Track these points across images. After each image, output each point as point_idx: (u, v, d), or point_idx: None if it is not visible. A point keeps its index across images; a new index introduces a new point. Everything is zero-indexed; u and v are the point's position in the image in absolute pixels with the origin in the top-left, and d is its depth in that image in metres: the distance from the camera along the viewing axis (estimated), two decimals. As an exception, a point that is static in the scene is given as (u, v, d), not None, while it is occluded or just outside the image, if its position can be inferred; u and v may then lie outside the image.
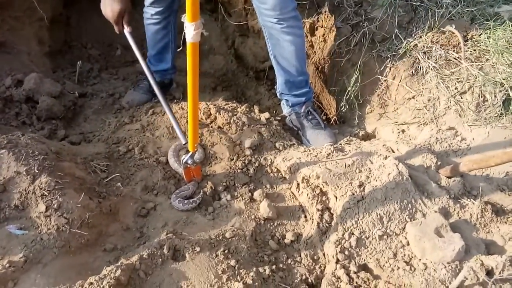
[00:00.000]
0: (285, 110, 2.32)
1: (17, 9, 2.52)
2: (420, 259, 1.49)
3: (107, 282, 1.26)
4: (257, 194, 1.82)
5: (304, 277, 1.50)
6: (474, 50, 1.92)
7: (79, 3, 3.07)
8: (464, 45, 1.92)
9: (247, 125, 2.08)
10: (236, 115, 2.13)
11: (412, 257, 1.51)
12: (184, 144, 1.80)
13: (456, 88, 1.94)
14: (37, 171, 1.47)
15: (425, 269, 1.46)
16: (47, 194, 1.43)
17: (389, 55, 2.12)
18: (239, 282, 1.38)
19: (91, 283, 1.27)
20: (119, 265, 1.34)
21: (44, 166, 1.51)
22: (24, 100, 2.18)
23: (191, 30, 1.27)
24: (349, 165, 1.78)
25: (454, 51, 1.96)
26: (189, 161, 1.74)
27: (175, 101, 2.46)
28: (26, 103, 2.19)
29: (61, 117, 2.24)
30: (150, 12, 2.30)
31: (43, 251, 1.35)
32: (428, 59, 2.01)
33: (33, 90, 2.18)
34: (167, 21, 2.35)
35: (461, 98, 1.93)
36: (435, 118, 1.99)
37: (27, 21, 2.59)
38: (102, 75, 2.86)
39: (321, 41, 2.38)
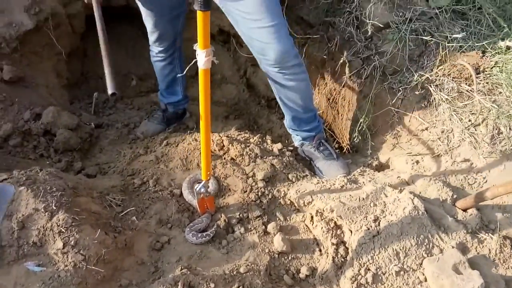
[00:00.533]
0: (296, 142, 2.33)
1: (36, 44, 2.61)
2: (438, 297, 1.47)
3: (123, 322, 1.26)
4: (270, 227, 1.82)
5: (320, 315, 1.48)
6: (487, 82, 1.93)
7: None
8: (476, 77, 1.92)
9: (259, 157, 2.09)
10: (248, 146, 2.15)
11: (430, 294, 1.48)
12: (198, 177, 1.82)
13: (469, 120, 1.94)
14: (54, 208, 1.50)
15: (445, 307, 1.43)
16: (64, 231, 1.45)
17: (400, 88, 2.13)
18: (254, 323, 1.37)
19: (107, 323, 1.27)
20: (134, 304, 1.34)
21: (61, 202, 1.53)
22: (42, 133, 2.23)
23: (202, 57, 1.35)
24: (363, 199, 1.77)
25: (466, 83, 1.97)
26: (202, 190, 1.75)
27: (188, 131, 2.50)
28: (44, 136, 2.24)
29: (77, 149, 2.29)
30: (154, 51, 2.40)
31: (60, 288, 1.36)
32: (440, 91, 2.02)
33: (51, 123, 2.24)
34: (172, 58, 2.43)
35: (475, 130, 1.92)
36: (450, 150, 1.98)
37: (46, 55, 2.68)
38: (118, 105, 2.93)
39: (333, 73, 2.41)
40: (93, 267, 1.43)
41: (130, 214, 1.78)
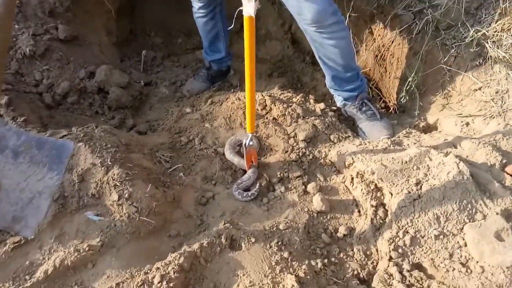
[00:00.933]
0: (338, 103, 2.29)
1: (87, 2, 2.70)
2: (477, 262, 1.46)
3: (172, 268, 1.39)
4: (310, 187, 1.86)
5: (356, 272, 1.54)
6: (552, 38, 1.77)
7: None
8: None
9: (301, 117, 2.10)
10: (291, 106, 2.16)
11: (469, 259, 1.48)
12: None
13: (529, 80, 1.81)
14: (110, 163, 1.63)
15: (482, 272, 1.43)
16: (119, 184, 1.58)
17: (454, 44, 2.00)
18: (291, 274, 1.45)
19: (158, 268, 1.40)
20: (182, 252, 1.47)
21: (116, 158, 1.66)
22: (96, 91, 2.37)
23: (246, 3, 1.34)
24: (406, 162, 1.75)
25: (528, 39, 1.82)
26: (250, 143, 1.83)
27: (232, 90, 2.53)
28: (98, 94, 2.38)
29: (129, 106, 2.41)
30: (195, 7, 2.40)
31: (117, 236, 1.51)
32: (498, 48, 1.88)
33: (104, 81, 2.36)
34: (213, 13, 2.42)
35: (535, 91, 1.80)
36: (503, 112, 1.88)
37: (97, 13, 2.77)
38: (165, 63, 3.01)
39: (381, 28, 2.30)
40: (145, 218, 1.56)
41: (178, 170, 1.89)
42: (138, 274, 1.40)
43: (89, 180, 1.60)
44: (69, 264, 1.41)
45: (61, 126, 2.00)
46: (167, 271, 1.38)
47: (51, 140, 1.70)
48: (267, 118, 2.13)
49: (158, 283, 1.35)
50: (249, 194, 1.81)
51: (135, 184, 1.61)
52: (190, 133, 2.13)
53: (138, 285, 1.33)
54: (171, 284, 1.34)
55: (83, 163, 1.63)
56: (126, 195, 1.57)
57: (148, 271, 1.40)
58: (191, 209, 1.79)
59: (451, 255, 1.50)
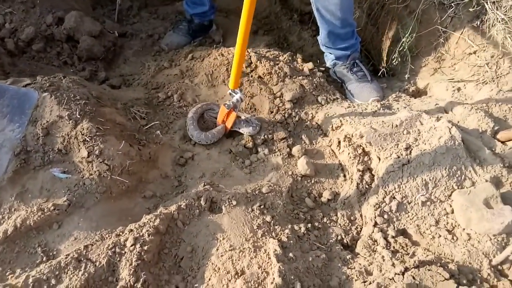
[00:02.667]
0: (328, 62, 2.19)
1: None
2: (464, 229, 1.43)
3: (146, 230, 1.29)
4: (295, 149, 1.77)
5: (339, 237, 1.48)
6: (555, 1, 1.68)
7: None
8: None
9: (289, 76, 1.98)
10: (278, 64, 2.03)
11: (456, 226, 1.45)
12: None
13: (526, 45, 1.73)
14: (78, 116, 1.48)
15: (469, 239, 1.40)
16: (88, 140, 1.44)
17: (452, 3, 1.89)
18: (274, 238, 1.38)
19: (131, 230, 1.30)
20: (158, 214, 1.37)
21: (85, 111, 1.51)
22: (65, 39, 2.17)
23: None
24: (396, 126, 1.67)
25: (530, 1, 1.72)
26: (240, 99, 1.73)
27: (214, 46, 2.37)
28: (67, 43, 2.18)
29: (101, 58, 2.23)
30: None
31: (86, 195, 1.39)
32: (497, 9, 1.78)
33: (74, 29, 2.16)
34: None
35: (531, 56, 1.73)
36: (497, 77, 1.81)
37: (66, -47, 2.49)
38: (142, 14, 2.78)
39: (376, -16, 2.16)
40: (117, 177, 1.44)
41: (155, 127, 1.76)
42: (109, 236, 1.30)
43: (55, 134, 1.46)
44: (32, 224, 1.29)
45: (25, 75, 1.81)
46: (141, 234, 1.28)
47: (12, 89, 1.53)
48: (252, 76, 2.00)
49: (131, 245, 1.25)
50: (209, 136, 1.75)
51: (107, 140, 1.48)
52: (169, 89, 1.98)
53: (109, 247, 1.23)
54: (145, 247, 1.25)
55: (48, 115, 1.48)
56: (97, 151, 1.43)
57: (120, 233, 1.30)
58: (168, 170, 1.68)
59: (437, 222, 1.46)
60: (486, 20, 1.82)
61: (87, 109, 1.53)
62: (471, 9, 1.82)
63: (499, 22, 1.78)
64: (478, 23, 1.85)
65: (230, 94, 1.75)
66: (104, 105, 1.65)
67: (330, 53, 2.14)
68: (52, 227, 1.31)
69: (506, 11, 1.78)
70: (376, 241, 1.45)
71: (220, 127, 1.79)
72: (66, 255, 1.20)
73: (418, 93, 2.10)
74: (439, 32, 1.97)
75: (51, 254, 1.25)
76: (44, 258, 1.24)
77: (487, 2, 1.80)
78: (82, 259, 1.20)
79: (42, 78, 1.62)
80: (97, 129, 1.46)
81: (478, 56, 1.88)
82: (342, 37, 2.04)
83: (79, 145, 1.44)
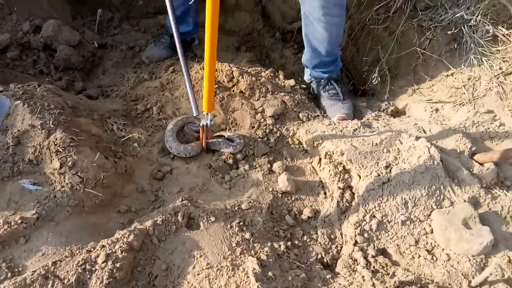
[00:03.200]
0: (306, 76, 2.26)
1: None
2: (443, 249, 1.42)
3: (119, 247, 1.23)
4: (276, 166, 1.75)
5: (319, 256, 1.45)
6: (527, 27, 1.75)
7: None
8: (517, 21, 1.74)
9: (270, 92, 1.98)
10: (260, 80, 2.02)
11: (435, 246, 1.44)
12: (194, 117, 1.72)
13: (500, 68, 1.79)
14: (52, 126, 1.42)
15: (448, 260, 1.39)
16: (61, 150, 1.38)
17: (431, 26, 1.94)
18: (253, 256, 1.34)
19: (103, 246, 1.24)
20: (132, 230, 1.31)
21: (59, 121, 1.45)
22: (42, 47, 2.10)
23: None
24: (376, 144, 1.68)
25: (503, 27, 1.79)
26: (210, 123, 1.65)
27: (196, 59, 2.35)
28: (44, 51, 2.12)
29: (79, 68, 2.17)
30: None
31: (56, 209, 1.32)
32: (474, 33, 1.84)
33: (52, 37, 2.10)
34: None
35: (505, 79, 1.78)
36: (474, 99, 1.85)
37: (47, -38, 2.45)
38: (123, 26, 2.75)
39: (357, 6, 2.20)
40: (90, 190, 1.38)
41: (132, 140, 1.70)
42: (79, 252, 1.23)
43: (26, 144, 1.39)
44: (-3, 238, 1.21)
45: (-2, 83, 1.74)
46: (113, 250, 1.22)
47: (-18, 96, 1.46)
48: (233, 90, 1.99)
49: (103, 262, 1.18)
50: (188, 148, 1.71)
51: (81, 152, 1.42)
52: (148, 101, 1.94)
53: (79, 264, 1.16)
54: (117, 264, 1.19)
55: (20, 124, 1.41)
56: (70, 163, 1.37)
57: (92, 249, 1.23)
58: (145, 184, 1.62)
59: (417, 242, 1.46)
60: (463, 43, 1.88)
61: (62, 118, 1.47)
62: (449, 32, 1.87)
63: (476, 45, 1.84)
64: (456, 45, 1.91)
65: (204, 115, 1.67)
66: (80, 115, 1.59)
67: (309, 72, 2.20)
68: (19, 241, 1.23)
69: (483, 34, 1.84)
70: (356, 260, 1.43)
71: (200, 142, 1.76)
72: (33, 271, 1.13)
73: (397, 113, 2.13)
74: (417, 53, 2.02)
75: (16, 270, 1.17)
76: (9, 275, 1.16)
77: (464, 26, 1.85)
78: (49, 276, 1.13)
79: (16, 85, 1.56)
80: (71, 139, 1.40)
81: (455, 78, 1.93)
82: (324, 63, 2.09)
83: (52, 156, 1.38)
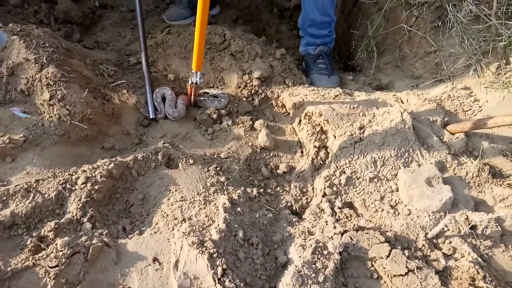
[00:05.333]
0: (301, 47, 2.30)
1: None
2: (406, 205, 1.50)
3: (99, 172, 1.32)
4: (258, 123, 1.83)
5: (289, 204, 1.54)
6: (508, 9, 1.81)
7: None
8: (498, 2, 1.81)
9: (260, 56, 2.05)
10: (250, 44, 2.10)
11: (398, 202, 1.52)
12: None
13: (480, 47, 1.86)
14: (45, 61, 1.50)
15: (409, 214, 1.47)
16: (52, 84, 1.46)
17: (417, 2, 2.01)
18: (224, 195, 1.42)
19: (84, 171, 1.32)
20: (113, 160, 1.39)
21: (52, 58, 1.53)
22: (43, -2, 2.18)
23: None
24: (353, 107, 1.76)
25: (486, 7, 1.86)
26: (199, 80, 1.71)
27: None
28: (45, 2, 2.19)
29: (78, 22, 2.24)
30: None
31: (43, 136, 1.40)
32: (458, 12, 1.91)
33: (54, -10, 2.18)
34: None
35: (483, 57, 1.85)
36: (452, 76, 1.93)
37: None
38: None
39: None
40: (77, 123, 1.46)
41: (121, 87, 1.78)
42: (61, 174, 1.31)
43: (20, 75, 1.47)
44: (-15, 154, 1.29)
45: (-2, 24, 1.82)
46: (93, 175, 1.31)
47: (-19, 29, 1.54)
48: (224, 51, 2.06)
49: (82, 184, 1.27)
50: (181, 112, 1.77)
51: (71, 87, 1.50)
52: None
53: (60, 182, 1.25)
54: (96, 187, 1.27)
55: (15, 56, 1.49)
56: (59, 96, 1.45)
57: (73, 173, 1.32)
58: (130, 128, 1.71)
59: (382, 198, 1.54)
60: (447, 22, 1.95)
61: (55, 56, 1.55)
62: (434, 9, 1.94)
63: (459, 24, 1.91)
64: (440, 23, 1.98)
65: (193, 73, 1.73)
66: (73, 57, 1.67)
67: (303, 37, 2.24)
68: (6, 160, 1.32)
69: (466, 14, 1.91)
70: (323, 210, 1.51)
71: (188, 97, 1.83)
72: (16, 185, 1.21)
73: (381, 88, 2.21)
74: (404, 31, 2.09)
75: (1, 183, 1.25)
76: (-7, 187, 1.25)
77: (448, 5, 1.92)
78: (31, 190, 1.21)
79: (14, 24, 1.64)
80: (62, 75, 1.48)
81: (437, 55, 2.00)
82: (317, 24, 2.14)
83: (42, 88, 1.46)
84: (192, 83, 1.73)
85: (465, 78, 1.91)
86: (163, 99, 1.81)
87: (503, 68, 1.80)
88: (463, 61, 1.90)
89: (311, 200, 1.60)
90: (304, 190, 1.63)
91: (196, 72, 1.70)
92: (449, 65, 1.95)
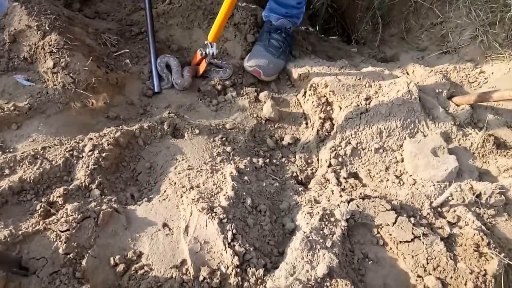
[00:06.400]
0: (264, 12, 2.01)
1: None
2: (411, 175, 1.51)
3: (106, 140, 1.31)
4: (262, 95, 1.82)
5: (295, 174, 1.54)
6: (517, -22, 1.79)
7: None
8: (507, -30, 1.78)
9: (264, 28, 2.02)
10: (255, 16, 2.06)
11: (404, 173, 1.53)
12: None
13: (487, 18, 1.84)
14: (47, 28, 1.47)
15: (414, 184, 1.48)
16: (55, 51, 1.44)
17: (425, -28, 1.98)
18: (231, 165, 1.42)
19: (91, 139, 1.32)
20: (119, 128, 1.38)
21: (55, 25, 1.50)
22: (41, -34, 2.11)
23: None
24: (359, 78, 1.74)
25: (495, -24, 1.83)
26: (214, 51, 1.67)
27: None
28: (43, -29, 2.12)
29: (78, -8, 2.19)
30: None
31: (48, 103, 1.39)
32: (465, -18, 1.88)
33: (51, -42, 2.11)
34: None
35: (490, 29, 1.83)
36: (458, 48, 1.91)
37: None
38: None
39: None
40: (81, 91, 1.44)
41: (124, 56, 1.76)
42: (68, 142, 1.30)
43: (22, 43, 1.45)
44: (-10, 121, 1.28)
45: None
46: (100, 142, 1.30)
47: (-19, -5, 1.50)
48: (228, 23, 2.02)
49: (89, 151, 1.26)
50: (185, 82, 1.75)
51: (74, 55, 1.47)
52: (143, 26, 1.98)
53: (67, 150, 1.24)
54: (103, 154, 1.27)
55: (17, 23, 1.46)
56: (63, 63, 1.43)
57: (80, 141, 1.31)
58: (134, 98, 1.69)
59: (387, 168, 1.54)
60: (454, -8, 1.92)
61: (57, 24, 1.51)
62: (441, -21, 1.91)
63: (466, -5, 1.88)
64: (447, -6, 1.95)
65: (206, 44, 1.69)
66: (75, 25, 1.64)
67: (268, 3, 1.98)
68: (11, 127, 1.31)
69: (473, -15, 1.88)
70: (328, 180, 1.52)
71: (194, 67, 1.81)
72: (23, 151, 1.21)
73: (386, 61, 2.19)
74: (410, 1, 2.06)
75: (7, 151, 1.25)
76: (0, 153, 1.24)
77: (456, -26, 1.89)
78: (38, 156, 1.20)
79: (14, -9, 1.59)
80: (65, 42, 1.45)
81: (443, 27, 1.98)
82: None
83: (45, 56, 1.44)
84: (206, 54, 1.70)
85: (471, 49, 1.89)
86: (167, 66, 1.78)
87: (509, 40, 1.78)
88: (469, 32, 1.87)
89: (316, 170, 1.60)
90: (309, 161, 1.63)
91: (211, 43, 1.67)
92: (455, 36, 1.93)
